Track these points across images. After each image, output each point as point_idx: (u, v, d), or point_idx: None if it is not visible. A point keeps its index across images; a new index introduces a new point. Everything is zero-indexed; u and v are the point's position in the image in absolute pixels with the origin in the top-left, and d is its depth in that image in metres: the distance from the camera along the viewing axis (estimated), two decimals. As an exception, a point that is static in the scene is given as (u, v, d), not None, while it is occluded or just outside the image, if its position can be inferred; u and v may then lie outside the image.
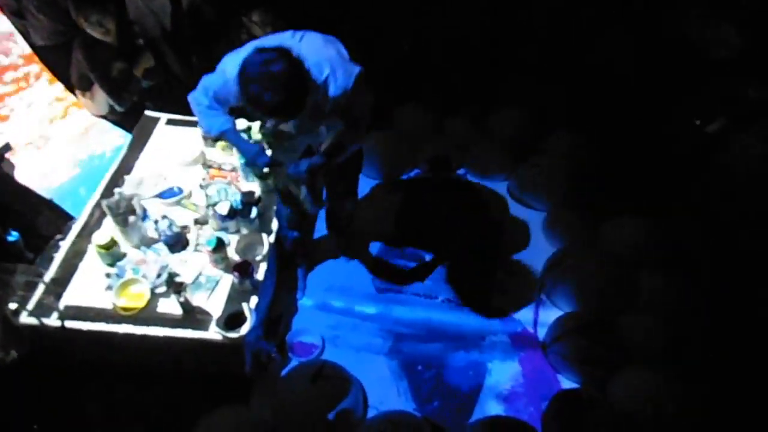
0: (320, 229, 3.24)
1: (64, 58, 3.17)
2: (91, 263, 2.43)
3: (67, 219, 2.77)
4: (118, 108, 3.27)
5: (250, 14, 3.09)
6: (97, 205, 2.63)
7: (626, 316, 2.84)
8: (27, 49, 3.09)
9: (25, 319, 2.23)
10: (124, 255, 2.46)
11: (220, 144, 2.93)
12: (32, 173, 3.01)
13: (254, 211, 2.61)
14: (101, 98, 3.21)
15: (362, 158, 2.68)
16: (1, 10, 2.98)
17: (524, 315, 3.03)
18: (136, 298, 2.30)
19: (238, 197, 2.62)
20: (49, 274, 2.38)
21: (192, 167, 2.88)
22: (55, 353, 2.35)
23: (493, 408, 2.65)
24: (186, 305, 2.28)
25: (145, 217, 2.54)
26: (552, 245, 3.34)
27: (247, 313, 2.29)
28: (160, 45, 3.33)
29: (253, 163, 2.39)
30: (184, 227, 2.58)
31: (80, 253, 2.47)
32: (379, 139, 3.66)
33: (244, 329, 2.24)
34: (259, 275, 2.48)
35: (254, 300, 2.38)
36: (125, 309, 2.27)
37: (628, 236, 3.18)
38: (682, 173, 3.48)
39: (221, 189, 2.65)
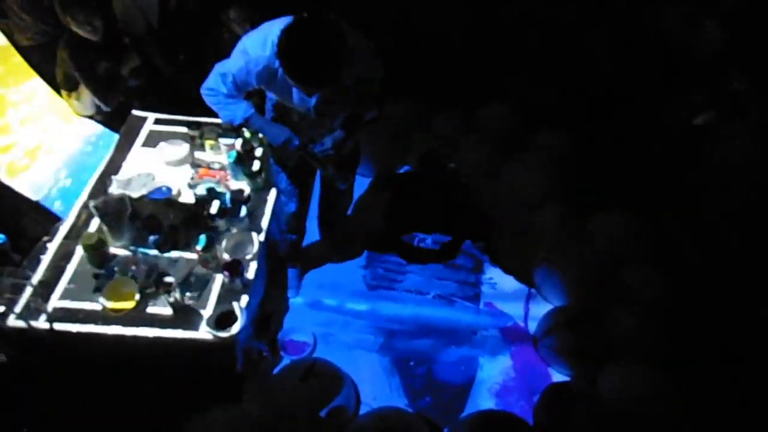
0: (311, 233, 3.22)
1: (49, 58, 3.13)
2: (80, 264, 2.41)
3: (54, 220, 2.74)
4: (104, 108, 3.24)
5: (227, 12, 3.07)
6: (85, 205, 2.61)
7: (616, 310, 2.86)
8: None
9: (12, 322, 2.21)
10: (112, 256, 2.44)
11: (209, 143, 2.93)
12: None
13: (243, 210, 2.60)
14: (87, 98, 3.18)
15: (359, 154, 2.68)
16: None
17: (515, 309, 3.05)
18: (125, 298, 2.28)
19: (227, 196, 2.61)
20: (37, 277, 2.35)
21: (180, 166, 2.87)
22: (44, 356, 2.33)
23: (484, 402, 2.67)
24: (176, 305, 2.27)
25: (133, 217, 2.52)
26: (541, 240, 3.35)
27: (237, 312, 2.28)
28: (146, 44, 3.31)
29: (283, 147, 2.35)
30: (173, 227, 2.55)
31: (68, 254, 2.45)
32: (368, 135, 3.65)
33: (235, 328, 2.23)
34: (250, 274, 2.47)
35: (245, 299, 2.38)
36: (115, 310, 2.26)
37: (616, 230, 3.19)
38: (669, 167, 3.50)
39: (210, 188, 2.64)
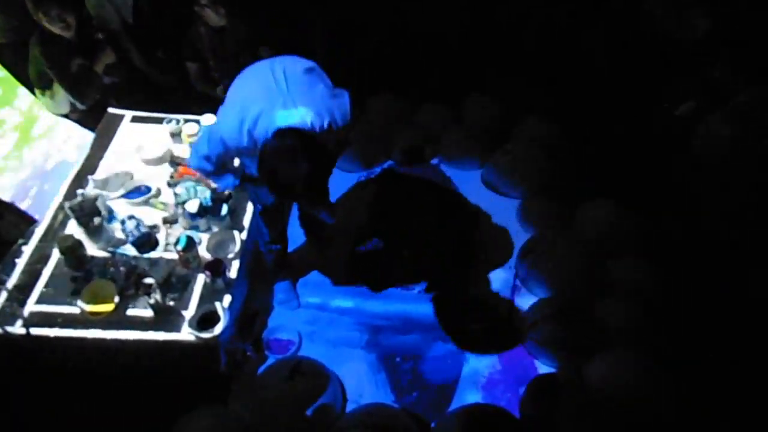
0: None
1: (21, 56, 3.05)
2: (56, 267, 2.36)
3: (30, 222, 2.68)
4: (79, 106, 3.16)
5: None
6: (61, 207, 2.55)
7: (601, 301, 2.88)
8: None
9: (-12, 327, 2.16)
10: (90, 258, 2.39)
11: (188, 140, 2.88)
12: None
13: (225, 208, 2.57)
14: (62, 96, 3.10)
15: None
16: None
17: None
18: (104, 301, 2.24)
19: (208, 194, 2.57)
20: (12, 281, 2.31)
21: (159, 165, 2.81)
22: (21, 362, 2.28)
23: (471, 396, 2.67)
24: (157, 307, 2.24)
25: (111, 218, 2.48)
26: (527, 232, 3.36)
27: (220, 312, 2.25)
28: (121, 40, 3.23)
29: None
30: (153, 227, 2.52)
31: (44, 257, 2.40)
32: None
33: (218, 329, 2.21)
34: (232, 273, 2.44)
35: (227, 299, 2.35)
36: (94, 313, 2.22)
37: (602, 221, 3.21)
38: (655, 157, 3.52)
39: (190, 187, 2.60)
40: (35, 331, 2.17)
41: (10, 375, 2.32)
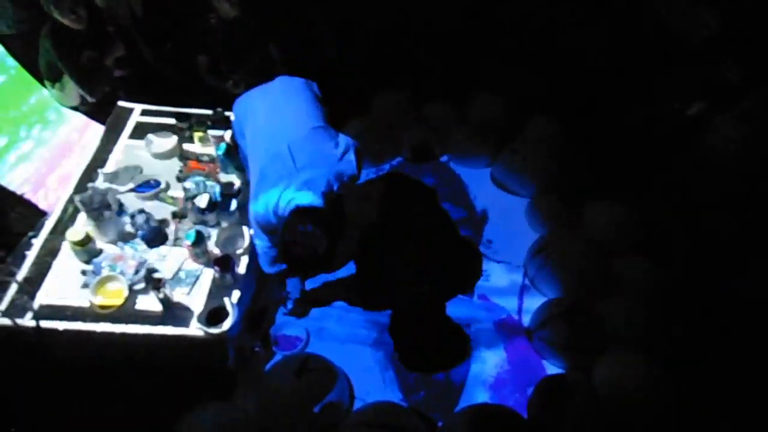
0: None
1: (32, 47, 3.04)
2: (66, 260, 2.36)
3: (40, 215, 2.68)
4: (89, 98, 3.15)
5: None
6: (71, 200, 2.55)
7: (610, 301, 2.86)
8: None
9: (-2, 320, 2.16)
10: (100, 251, 2.39)
11: (198, 135, 2.87)
12: None
13: (234, 204, 2.55)
14: (72, 89, 3.10)
15: None
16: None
17: (509, 302, 3.03)
18: (113, 295, 2.24)
19: (217, 189, 2.56)
20: (22, 273, 2.30)
21: (168, 159, 2.81)
22: (31, 354, 2.27)
23: (479, 396, 2.66)
24: (166, 301, 2.23)
25: (121, 211, 2.47)
26: (535, 231, 3.35)
27: (229, 307, 2.25)
28: (131, 32, 3.22)
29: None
30: (162, 221, 2.51)
31: (54, 250, 2.39)
32: (359, 127, 3.61)
33: (226, 324, 2.20)
34: (241, 269, 2.44)
35: (236, 294, 2.34)
36: (103, 307, 2.21)
37: (611, 221, 3.19)
38: (663, 157, 3.50)
39: (199, 181, 2.59)
40: (45, 323, 2.16)
41: (19, 367, 2.31)
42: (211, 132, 2.82)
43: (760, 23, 3.10)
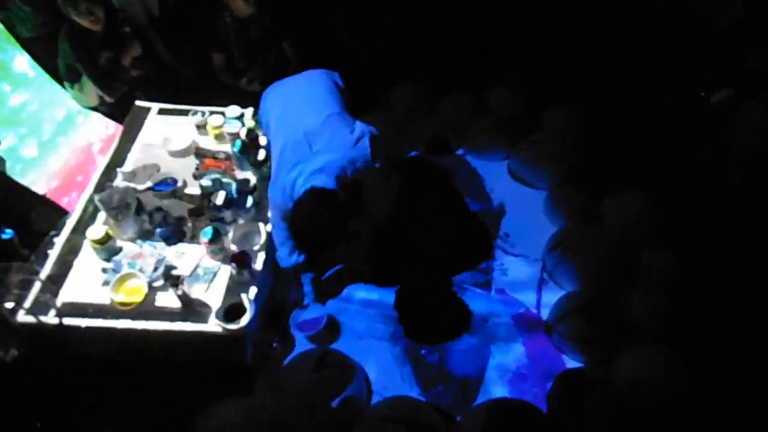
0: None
1: (51, 49, 3.10)
2: (87, 259, 2.41)
3: (62, 214, 2.73)
4: (108, 99, 3.20)
5: None
6: (91, 199, 2.59)
7: (630, 294, 2.81)
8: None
9: (22, 317, 2.21)
10: (119, 249, 2.43)
11: (213, 132, 2.89)
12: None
13: (250, 200, 2.57)
14: (90, 89, 3.14)
15: None
16: (-17, 2, 2.90)
17: (527, 296, 3.00)
18: (133, 292, 2.28)
19: (233, 186, 2.58)
20: (45, 271, 2.35)
21: (185, 157, 2.83)
22: (54, 350, 2.33)
23: (497, 390, 2.64)
24: (184, 298, 2.26)
25: (139, 210, 2.50)
26: (554, 224, 3.30)
27: (246, 304, 2.26)
28: (147, 32, 3.26)
29: None
30: (180, 219, 2.54)
31: (75, 248, 2.44)
32: (375, 121, 3.59)
33: (244, 320, 2.22)
34: (258, 265, 2.45)
35: (253, 290, 2.36)
36: (123, 304, 2.25)
37: (631, 213, 3.13)
38: (685, 146, 3.42)
39: (216, 179, 2.61)
40: (67, 321, 2.21)
41: (43, 363, 2.37)
42: (227, 129, 2.84)
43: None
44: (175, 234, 2.48)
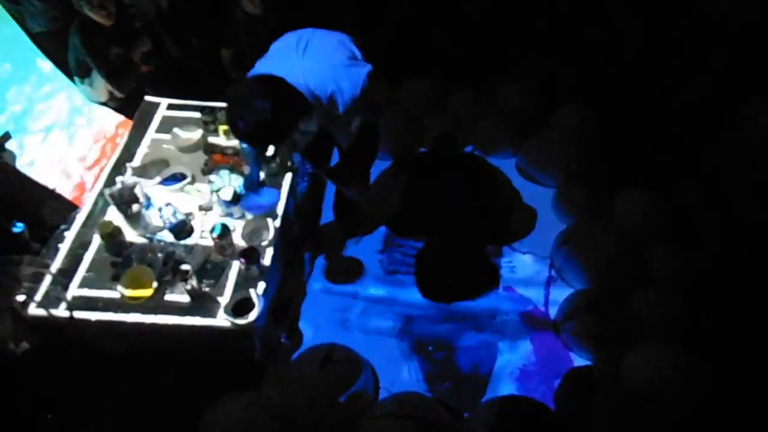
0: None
1: (62, 44, 3.12)
2: (97, 253, 2.42)
3: (72, 208, 2.75)
4: (117, 94, 3.22)
5: None
6: (101, 194, 2.61)
7: (638, 292, 2.80)
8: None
9: (33, 310, 2.23)
10: (129, 244, 2.44)
11: (222, 128, 2.90)
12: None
13: (258, 196, 2.58)
14: (100, 84, 3.16)
15: (376, 148, 2.68)
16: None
17: (535, 293, 3.00)
18: (143, 286, 2.29)
19: (242, 182, 2.58)
20: (56, 265, 2.37)
21: (193, 152, 2.84)
22: (64, 343, 2.35)
23: (505, 387, 2.64)
24: (193, 293, 2.27)
25: (148, 204, 2.51)
26: (562, 222, 3.29)
27: (254, 299, 2.27)
28: (157, 27, 3.27)
29: None
30: (189, 214, 2.55)
31: (85, 242, 2.45)
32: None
33: (252, 315, 2.23)
34: (266, 260, 2.46)
35: (262, 286, 2.36)
36: (133, 298, 2.26)
37: (639, 211, 3.12)
38: (694, 145, 3.40)
39: (224, 174, 2.62)
40: (78, 314, 2.22)
41: (53, 356, 2.39)
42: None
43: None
44: (183, 229, 2.49)
